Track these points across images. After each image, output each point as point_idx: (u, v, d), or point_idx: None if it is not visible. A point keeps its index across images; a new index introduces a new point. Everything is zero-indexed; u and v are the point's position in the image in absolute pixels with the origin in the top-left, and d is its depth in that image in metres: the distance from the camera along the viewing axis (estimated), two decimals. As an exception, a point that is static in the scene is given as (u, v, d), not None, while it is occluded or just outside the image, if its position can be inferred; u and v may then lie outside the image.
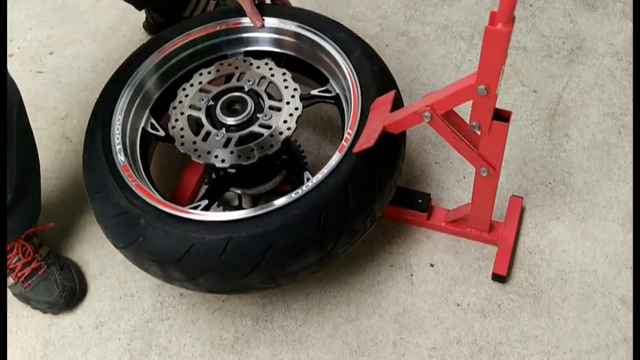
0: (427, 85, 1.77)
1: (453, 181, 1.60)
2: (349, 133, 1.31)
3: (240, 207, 1.53)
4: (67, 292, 1.46)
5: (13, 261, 1.45)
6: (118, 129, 1.38)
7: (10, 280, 1.47)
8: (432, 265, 1.49)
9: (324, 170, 1.26)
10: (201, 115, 1.40)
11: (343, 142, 1.30)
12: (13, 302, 1.50)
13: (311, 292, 1.47)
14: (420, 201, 1.50)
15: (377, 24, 1.92)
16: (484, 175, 1.26)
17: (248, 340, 1.43)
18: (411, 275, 1.48)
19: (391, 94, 1.33)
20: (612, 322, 1.38)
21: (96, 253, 1.57)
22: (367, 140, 1.26)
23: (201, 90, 1.44)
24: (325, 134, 1.71)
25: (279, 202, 1.23)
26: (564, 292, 1.43)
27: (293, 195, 1.23)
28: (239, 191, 1.51)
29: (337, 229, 1.24)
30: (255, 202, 1.55)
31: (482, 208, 1.39)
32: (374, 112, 1.32)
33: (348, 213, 1.25)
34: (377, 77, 1.39)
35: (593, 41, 1.82)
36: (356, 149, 1.26)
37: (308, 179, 1.37)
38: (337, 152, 1.29)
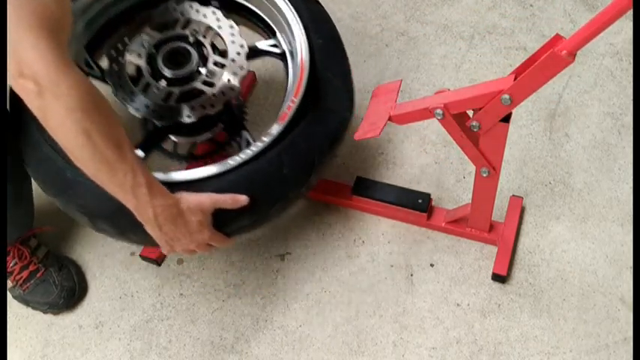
0: (427, 85, 1.77)
1: (453, 181, 1.60)
2: (292, 100, 1.25)
3: (175, 153, 1.46)
4: (66, 292, 1.46)
5: (11, 264, 1.45)
6: None
7: (9, 283, 1.47)
8: (432, 265, 1.49)
9: (265, 139, 1.22)
10: (142, 63, 1.31)
11: (285, 109, 1.25)
12: (12, 302, 1.50)
13: (311, 292, 1.47)
14: (420, 201, 1.50)
15: (377, 24, 1.92)
16: (484, 175, 1.26)
17: (248, 340, 1.43)
18: (411, 275, 1.48)
19: (397, 82, 1.28)
20: (612, 322, 1.38)
21: (96, 253, 1.57)
22: (371, 129, 1.22)
23: (142, 34, 1.35)
24: (270, 89, 1.66)
25: (215, 168, 1.19)
26: (564, 292, 1.43)
27: (230, 162, 1.20)
28: (175, 138, 1.44)
29: (271, 196, 1.22)
30: (191, 148, 1.50)
31: (482, 208, 1.39)
32: (376, 99, 1.28)
33: (284, 181, 1.22)
34: (328, 45, 1.35)
35: (593, 41, 1.81)
36: (358, 137, 1.22)
37: (248, 143, 1.33)
38: (278, 121, 1.24)
